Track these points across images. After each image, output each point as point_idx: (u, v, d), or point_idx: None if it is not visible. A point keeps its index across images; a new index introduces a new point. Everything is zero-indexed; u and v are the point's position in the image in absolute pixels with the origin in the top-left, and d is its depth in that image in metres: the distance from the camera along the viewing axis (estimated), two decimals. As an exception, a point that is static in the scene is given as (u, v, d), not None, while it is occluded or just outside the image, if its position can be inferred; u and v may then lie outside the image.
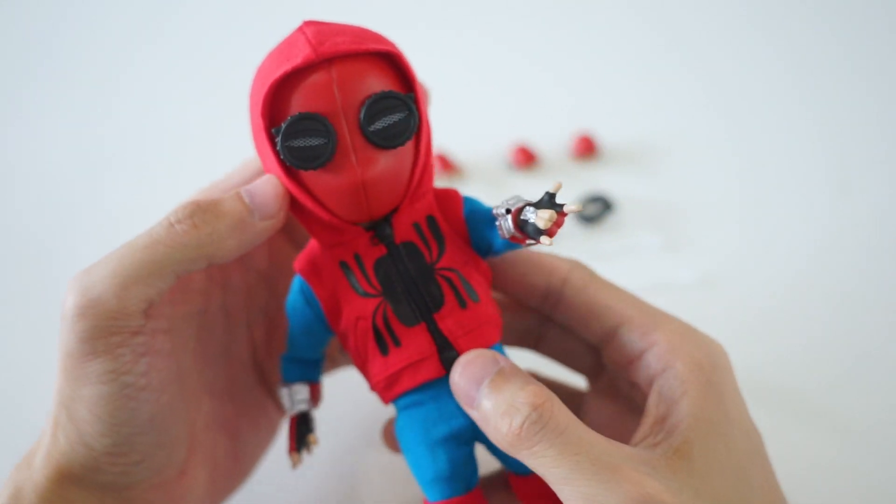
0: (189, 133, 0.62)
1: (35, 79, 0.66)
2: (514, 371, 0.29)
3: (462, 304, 0.30)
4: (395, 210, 0.31)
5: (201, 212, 0.29)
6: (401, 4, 0.70)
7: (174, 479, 0.33)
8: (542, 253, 0.35)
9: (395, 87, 0.29)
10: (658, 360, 0.31)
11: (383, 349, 0.30)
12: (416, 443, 0.31)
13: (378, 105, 0.28)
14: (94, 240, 0.54)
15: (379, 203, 0.30)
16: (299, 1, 0.65)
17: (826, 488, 0.41)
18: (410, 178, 0.30)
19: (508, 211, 0.29)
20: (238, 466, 0.37)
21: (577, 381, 0.38)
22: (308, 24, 0.29)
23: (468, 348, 0.30)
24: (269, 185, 0.30)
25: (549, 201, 0.27)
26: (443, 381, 0.30)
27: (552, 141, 0.59)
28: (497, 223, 0.30)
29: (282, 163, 0.29)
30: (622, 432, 0.31)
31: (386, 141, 0.29)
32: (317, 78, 0.28)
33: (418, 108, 0.29)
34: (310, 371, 0.34)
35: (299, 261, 0.31)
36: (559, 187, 0.27)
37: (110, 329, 0.29)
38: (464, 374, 0.29)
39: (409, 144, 0.30)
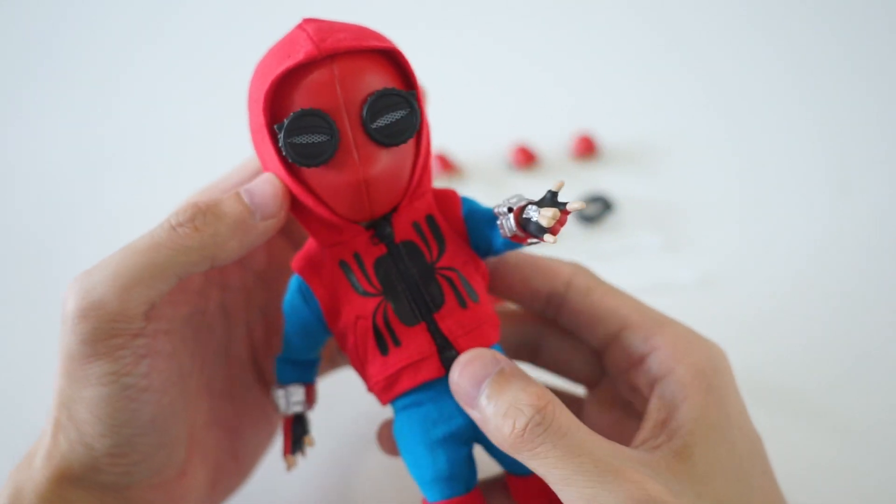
0: (189, 133, 0.62)
1: (35, 79, 0.66)
2: (515, 371, 0.29)
3: (462, 303, 0.30)
4: (394, 209, 0.30)
5: (202, 214, 0.29)
6: (401, 4, 0.70)
7: (174, 480, 0.33)
8: (544, 257, 0.35)
9: (397, 85, 0.29)
10: (660, 365, 0.31)
11: (383, 349, 0.30)
12: (415, 443, 0.31)
13: (381, 102, 0.28)
14: (94, 240, 0.54)
15: (380, 201, 0.29)
16: (299, 1, 0.65)
17: (826, 488, 0.41)
18: (411, 177, 0.30)
19: (510, 209, 0.29)
20: (238, 466, 0.37)
21: (576, 388, 0.38)
22: (308, 21, 0.29)
23: (468, 348, 0.30)
24: (268, 183, 0.30)
25: (551, 199, 0.27)
26: (442, 381, 0.30)
27: (552, 141, 0.59)
28: (499, 222, 0.29)
29: (283, 160, 0.29)
30: (621, 439, 0.31)
31: (389, 138, 0.28)
32: (319, 74, 0.28)
33: (419, 106, 0.29)
34: (305, 372, 0.33)
35: (297, 260, 0.31)
36: (561, 186, 0.27)
37: (111, 331, 0.28)
38: (464, 373, 0.29)
39: (410, 143, 0.29)
